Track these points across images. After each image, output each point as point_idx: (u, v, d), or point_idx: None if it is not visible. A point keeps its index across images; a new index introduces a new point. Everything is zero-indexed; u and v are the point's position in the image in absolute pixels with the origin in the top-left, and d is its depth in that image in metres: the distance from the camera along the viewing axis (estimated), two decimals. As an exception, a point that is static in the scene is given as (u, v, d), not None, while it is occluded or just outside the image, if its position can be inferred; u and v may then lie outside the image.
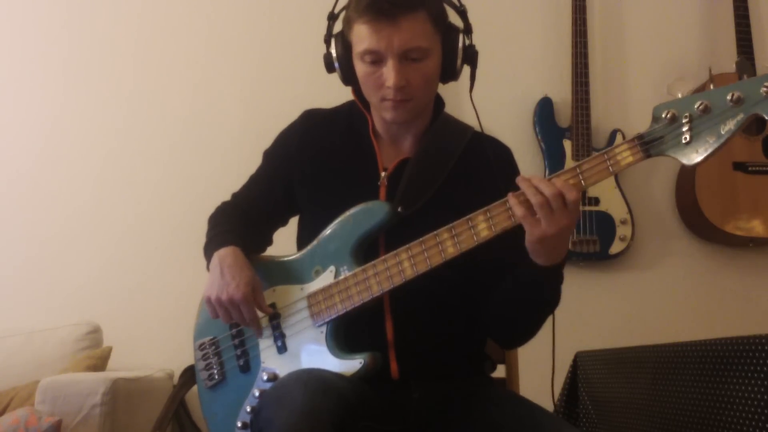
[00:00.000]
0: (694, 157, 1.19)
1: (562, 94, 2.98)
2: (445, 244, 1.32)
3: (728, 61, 2.96)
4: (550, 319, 1.44)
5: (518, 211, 1.25)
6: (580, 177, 1.25)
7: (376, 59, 1.38)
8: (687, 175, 2.87)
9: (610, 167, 1.24)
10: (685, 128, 1.20)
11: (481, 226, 1.30)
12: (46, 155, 2.95)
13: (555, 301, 1.40)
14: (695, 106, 1.19)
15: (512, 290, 1.39)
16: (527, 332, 1.45)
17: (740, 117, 1.16)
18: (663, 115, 1.21)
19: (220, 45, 3.03)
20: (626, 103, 3.05)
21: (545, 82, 3.01)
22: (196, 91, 2.99)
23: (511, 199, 1.27)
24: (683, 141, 1.20)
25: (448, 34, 1.43)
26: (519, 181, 1.26)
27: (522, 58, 3.06)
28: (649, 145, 1.22)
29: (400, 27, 1.34)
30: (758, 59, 2.91)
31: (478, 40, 1.47)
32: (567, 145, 2.89)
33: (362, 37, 1.37)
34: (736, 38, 2.92)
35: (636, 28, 3.12)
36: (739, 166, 2.83)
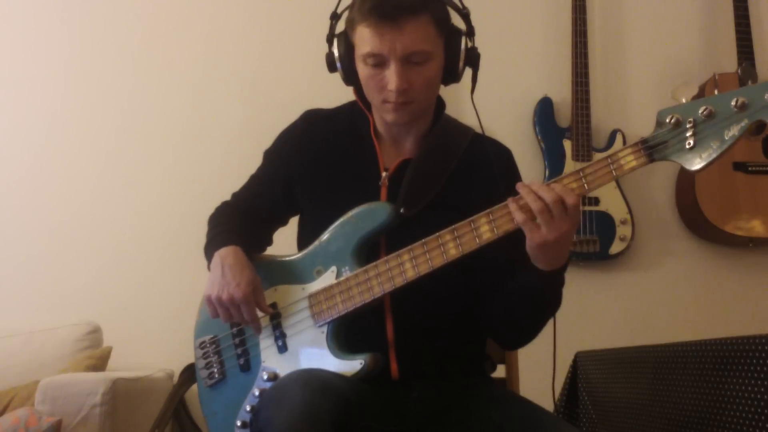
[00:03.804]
0: (698, 162, 1.19)
1: (562, 94, 2.98)
2: (448, 245, 1.32)
3: (728, 61, 2.96)
4: (551, 320, 1.44)
5: (518, 216, 1.26)
6: (583, 181, 1.25)
7: (379, 62, 1.37)
8: (687, 175, 2.87)
9: (613, 171, 1.24)
10: (689, 133, 1.20)
11: (484, 228, 1.30)
12: (46, 155, 2.94)
13: (556, 304, 1.40)
14: (699, 112, 1.19)
15: (513, 293, 1.39)
16: (528, 334, 1.46)
17: (744, 123, 1.17)
18: (667, 120, 1.21)
19: (219, 45, 3.03)
20: (626, 104, 3.05)
21: (545, 82, 3.01)
22: (196, 90, 2.99)
23: (511, 204, 1.27)
24: (687, 146, 1.20)
25: (450, 37, 1.42)
26: (519, 187, 1.27)
27: (522, 58, 3.06)
28: (652, 149, 1.22)
29: (403, 31, 1.33)
30: (758, 60, 2.91)
31: (478, 40, 1.47)
32: (567, 145, 2.89)
33: (365, 39, 1.37)
34: (736, 38, 2.92)
35: (636, 28, 3.12)
36: (739, 166, 2.83)
